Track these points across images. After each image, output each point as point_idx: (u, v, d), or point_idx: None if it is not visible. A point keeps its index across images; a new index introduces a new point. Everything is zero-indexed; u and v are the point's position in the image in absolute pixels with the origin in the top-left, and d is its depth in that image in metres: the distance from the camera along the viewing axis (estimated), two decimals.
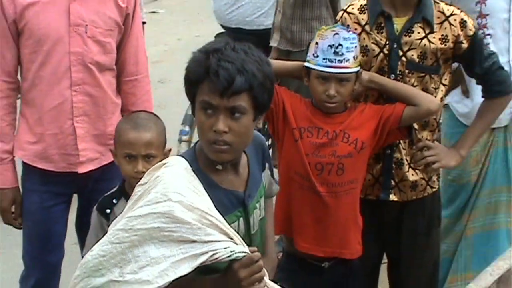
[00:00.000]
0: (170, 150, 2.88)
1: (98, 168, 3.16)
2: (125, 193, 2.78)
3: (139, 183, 2.28)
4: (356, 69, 2.88)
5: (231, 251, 2.07)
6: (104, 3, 3.12)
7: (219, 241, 2.09)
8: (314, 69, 2.88)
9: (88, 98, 3.13)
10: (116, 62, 3.23)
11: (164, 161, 2.26)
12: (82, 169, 3.10)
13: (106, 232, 2.75)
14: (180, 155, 2.30)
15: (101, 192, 2.93)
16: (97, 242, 2.76)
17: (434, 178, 3.21)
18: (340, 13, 3.15)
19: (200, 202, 2.13)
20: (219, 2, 5.26)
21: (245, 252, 2.10)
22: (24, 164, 3.19)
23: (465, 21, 3.04)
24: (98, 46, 3.12)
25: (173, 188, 2.12)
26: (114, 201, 2.80)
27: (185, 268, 2.06)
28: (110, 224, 2.71)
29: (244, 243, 2.15)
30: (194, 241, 2.07)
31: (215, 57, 2.15)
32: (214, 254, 2.06)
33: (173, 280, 2.07)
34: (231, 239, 2.12)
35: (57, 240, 3.25)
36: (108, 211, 2.81)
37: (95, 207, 2.86)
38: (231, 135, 2.16)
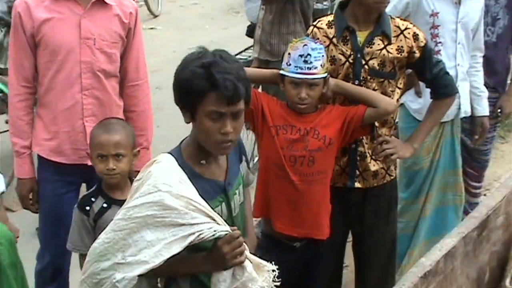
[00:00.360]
0: (138, 151, 2.88)
1: None
2: (102, 192, 2.79)
3: (136, 178, 2.28)
4: (323, 75, 2.88)
5: (214, 231, 2.12)
6: (110, 19, 3.13)
7: (203, 223, 2.13)
8: (287, 76, 2.89)
9: (96, 101, 3.15)
10: (120, 69, 3.23)
11: (155, 158, 2.26)
12: (90, 162, 3.11)
13: (87, 226, 2.77)
14: (168, 152, 2.30)
15: None
16: (78, 235, 2.78)
17: (392, 167, 3.24)
18: (311, 28, 3.15)
19: (186, 191, 2.16)
20: (251, 4, 5.20)
21: (226, 231, 2.15)
22: (40, 158, 3.21)
23: (417, 34, 3.07)
24: (104, 56, 3.13)
25: (162, 180, 2.15)
26: (93, 199, 2.79)
27: (177, 248, 2.11)
28: (89, 218, 2.76)
29: (225, 223, 2.19)
30: (182, 224, 2.11)
31: (217, 70, 2.15)
32: (200, 234, 2.11)
33: (167, 259, 2.11)
34: (214, 220, 2.17)
35: (68, 221, 3.28)
36: (87, 208, 2.79)
37: (76, 205, 2.85)
38: (234, 134, 2.22)
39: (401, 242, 3.64)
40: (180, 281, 2.33)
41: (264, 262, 2.23)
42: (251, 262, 2.21)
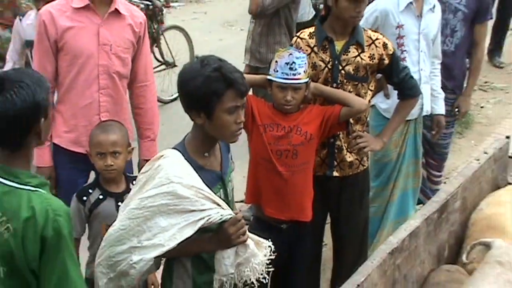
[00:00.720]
0: (132, 148, 2.85)
1: None
2: (99, 185, 2.77)
3: (141, 171, 2.29)
4: (306, 80, 2.89)
5: (221, 215, 2.13)
6: (124, 28, 3.14)
7: (211, 208, 2.14)
8: (275, 81, 2.89)
9: (110, 99, 3.17)
10: (130, 72, 3.24)
11: (161, 153, 2.26)
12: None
13: (81, 214, 2.72)
14: (174, 148, 2.29)
15: None
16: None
17: (365, 158, 3.26)
18: (294, 38, 3.16)
19: (194, 181, 2.17)
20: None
21: (231, 215, 2.16)
22: (56, 148, 3.19)
23: (386, 44, 3.10)
24: (119, 60, 3.15)
25: (173, 173, 2.15)
26: (90, 191, 2.76)
27: (189, 232, 2.12)
28: (85, 208, 2.72)
29: (229, 208, 2.21)
30: (193, 211, 2.12)
31: (228, 71, 2.20)
32: (209, 218, 2.11)
33: (180, 242, 2.12)
34: (220, 206, 2.17)
35: None
36: (84, 198, 2.77)
37: (75, 194, 2.81)
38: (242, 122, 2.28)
39: (373, 224, 3.65)
40: (183, 259, 2.34)
41: (262, 240, 2.26)
42: (252, 241, 2.23)
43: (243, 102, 2.28)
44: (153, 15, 6.39)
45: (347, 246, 3.36)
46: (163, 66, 6.73)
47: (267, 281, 2.24)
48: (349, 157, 3.17)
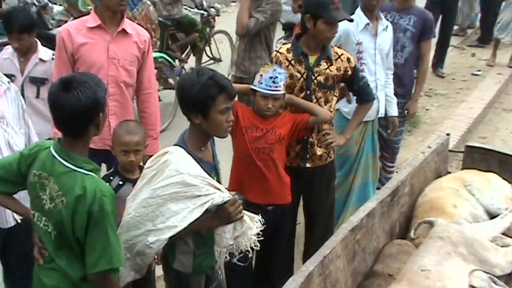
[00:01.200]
0: (146, 145, 2.81)
1: None
2: (118, 173, 2.72)
3: (146, 166, 2.26)
4: (283, 92, 2.91)
5: (222, 197, 2.15)
6: (130, 45, 3.13)
7: (214, 193, 2.15)
8: (259, 91, 2.89)
9: (118, 104, 3.16)
10: (136, 81, 3.22)
11: (165, 150, 2.24)
12: (113, 153, 3.05)
13: None
14: (176, 144, 2.29)
15: None
16: None
17: (331, 152, 3.27)
18: (274, 53, 3.16)
19: (199, 171, 2.17)
20: (286, 7, 5.10)
21: (230, 197, 2.17)
22: None
23: (350, 58, 3.12)
24: (125, 72, 3.14)
25: (181, 165, 2.16)
26: (111, 178, 2.72)
27: (197, 213, 2.13)
28: None
29: (228, 192, 2.22)
30: (200, 196, 2.13)
31: (220, 79, 2.24)
32: (213, 201, 2.13)
33: (191, 222, 2.14)
34: (220, 190, 2.18)
35: None
36: (107, 184, 2.64)
37: None
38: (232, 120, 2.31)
39: (337, 207, 3.66)
40: (185, 237, 2.33)
41: (253, 215, 2.27)
42: (247, 217, 2.24)
43: (232, 104, 2.31)
44: (207, 22, 6.72)
45: (317, 224, 3.37)
46: (212, 61, 7.03)
47: (258, 248, 2.24)
48: (319, 151, 3.17)
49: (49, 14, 6.02)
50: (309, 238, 3.43)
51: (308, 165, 3.19)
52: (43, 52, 3.52)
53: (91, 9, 3.74)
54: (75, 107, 1.98)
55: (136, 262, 2.24)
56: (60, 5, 6.08)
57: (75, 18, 4.25)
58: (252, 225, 2.22)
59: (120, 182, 2.71)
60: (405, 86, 4.27)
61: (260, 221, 2.25)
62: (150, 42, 3.25)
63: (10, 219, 2.65)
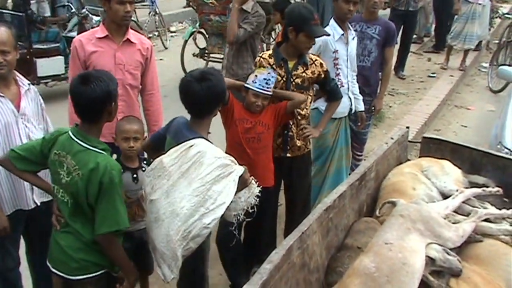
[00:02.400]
0: (146, 137, 2.77)
1: None
2: (120, 162, 2.61)
3: (168, 164, 2.19)
4: (271, 93, 2.91)
5: (242, 169, 2.23)
6: (134, 52, 3.11)
7: (237, 168, 2.24)
8: (252, 89, 2.88)
9: (124, 103, 3.11)
10: (141, 83, 3.20)
11: (189, 143, 2.23)
12: (115, 143, 2.99)
13: None
14: (196, 137, 2.28)
15: None
16: None
17: (308, 143, 3.26)
18: (258, 58, 3.13)
19: (223, 152, 2.26)
20: None
21: (244, 167, 2.26)
22: None
23: (322, 63, 3.12)
24: (130, 76, 3.12)
25: (214, 152, 2.21)
26: None
27: (234, 188, 2.18)
28: None
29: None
30: (231, 172, 2.19)
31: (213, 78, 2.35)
32: (237, 173, 2.21)
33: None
34: (236, 164, 2.26)
35: None
36: None
37: None
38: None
39: (314, 191, 3.66)
40: None
41: (253, 181, 2.35)
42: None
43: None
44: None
45: (296, 205, 3.36)
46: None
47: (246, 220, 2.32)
48: (298, 143, 3.17)
49: (89, 23, 6.27)
50: (289, 217, 3.43)
51: (288, 154, 3.19)
52: None
53: None
54: (91, 97, 2.09)
55: (190, 246, 2.20)
56: (98, 15, 6.43)
57: None
58: (256, 189, 2.34)
59: (122, 170, 2.63)
60: (371, 86, 4.26)
61: (254, 181, 2.33)
62: (152, 49, 3.22)
63: (31, 202, 2.65)
